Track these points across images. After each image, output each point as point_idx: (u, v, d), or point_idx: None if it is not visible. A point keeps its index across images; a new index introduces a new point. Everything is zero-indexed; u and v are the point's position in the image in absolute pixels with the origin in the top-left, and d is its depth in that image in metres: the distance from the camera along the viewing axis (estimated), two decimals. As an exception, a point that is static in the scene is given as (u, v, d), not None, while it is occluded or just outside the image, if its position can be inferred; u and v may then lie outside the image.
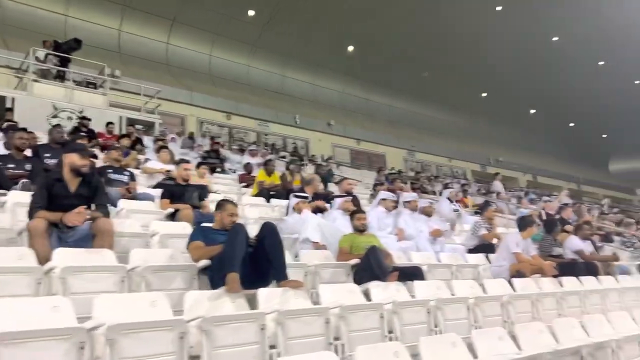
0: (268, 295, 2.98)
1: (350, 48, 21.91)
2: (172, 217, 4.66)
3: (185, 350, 2.39)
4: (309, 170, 11.55)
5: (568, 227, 6.61)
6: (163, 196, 4.80)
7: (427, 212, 5.74)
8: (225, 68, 20.04)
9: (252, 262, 3.21)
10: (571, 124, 30.32)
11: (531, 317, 4.16)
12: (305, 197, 5.06)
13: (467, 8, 20.29)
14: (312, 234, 4.40)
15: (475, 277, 4.95)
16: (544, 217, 7.96)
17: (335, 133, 22.02)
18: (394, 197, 5.65)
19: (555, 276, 4.97)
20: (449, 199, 7.86)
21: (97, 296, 2.53)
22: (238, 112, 19.29)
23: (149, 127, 12.21)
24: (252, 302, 2.95)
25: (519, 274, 4.70)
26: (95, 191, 3.49)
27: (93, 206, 3.51)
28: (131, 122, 11.53)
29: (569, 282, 4.98)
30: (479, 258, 5.45)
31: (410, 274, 4.02)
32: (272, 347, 2.68)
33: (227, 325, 2.54)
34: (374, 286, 3.59)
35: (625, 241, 8.73)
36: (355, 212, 4.49)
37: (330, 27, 20.14)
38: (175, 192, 4.86)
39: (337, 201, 5.26)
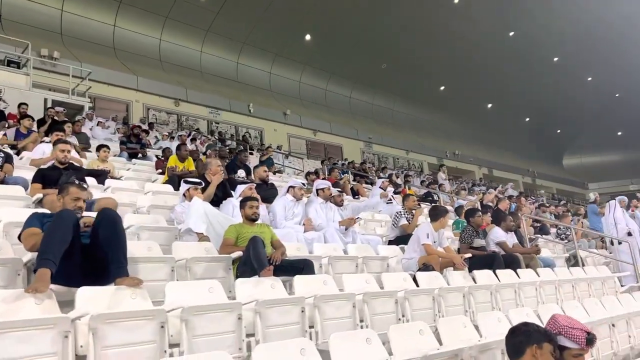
0: (91, 296, 2.50)
1: (308, 37, 21.40)
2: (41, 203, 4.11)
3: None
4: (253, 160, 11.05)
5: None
6: (34, 180, 4.25)
7: (337, 202, 5.36)
8: (176, 53, 19.20)
9: (87, 255, 2.74)
10: (527, 119, 30.79)
11: (432, 315, 3.85)
12: (199, 183, 4.57)
13: (425, 1, 20.10)
14: (196, 224, 3.91)
15: (383, 270, 4.61)
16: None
17: (291, 123, 21.51)
18: (302, 186, 5.25)
19: (469, 270, 4.69)
20: (381, 187, 7.72)
21: None
22: (188, 99, 18.54)
23: (78, 110, 11.43)
24: (71, 304, 2.48)
25: (425, 267, 4.38)
26: None
27: None
28: (57, 105, 10.75)
29: (482, 275, 4.69)
30: (393, 250, 5.10)
31: (298, 268, 3.62)
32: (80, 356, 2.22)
33: (16, 333, 2.07)
34: (242, 283, 3.16)
35: (560, 233, 8.62)
36: (246, 199, 4.01)
37: (287, 14, 19.55)
38: (50, 176, 4.31)
39: (240, 188, 4.80)
